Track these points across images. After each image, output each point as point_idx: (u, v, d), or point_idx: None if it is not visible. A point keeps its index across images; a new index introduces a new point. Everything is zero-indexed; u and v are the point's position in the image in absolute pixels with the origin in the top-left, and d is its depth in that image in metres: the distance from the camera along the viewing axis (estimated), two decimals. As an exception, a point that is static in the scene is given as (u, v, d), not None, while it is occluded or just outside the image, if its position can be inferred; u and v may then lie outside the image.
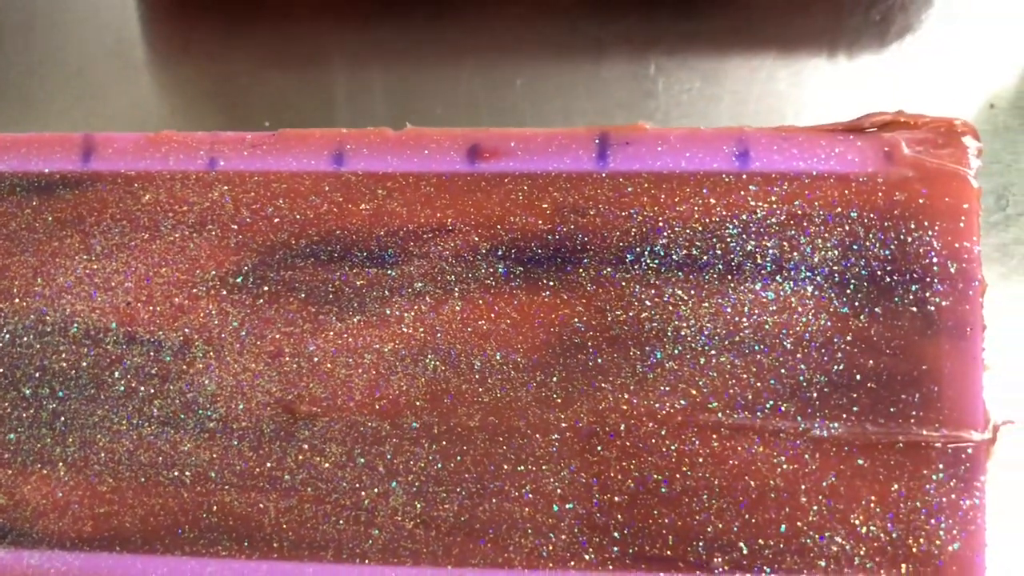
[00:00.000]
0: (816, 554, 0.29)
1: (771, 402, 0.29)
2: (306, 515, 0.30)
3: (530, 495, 0.30)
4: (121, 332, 0.32)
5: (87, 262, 0.32)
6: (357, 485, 0.30)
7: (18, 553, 0.31)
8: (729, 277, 0.30)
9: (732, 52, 0.46)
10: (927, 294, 0.29)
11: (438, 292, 0.31)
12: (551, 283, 0.31)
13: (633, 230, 0.31)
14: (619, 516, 0.29)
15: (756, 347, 0.30)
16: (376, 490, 0.30)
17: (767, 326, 0.30)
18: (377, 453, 0.30)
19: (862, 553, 0.29)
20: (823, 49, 0.46)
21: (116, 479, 0.31)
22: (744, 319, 0.30)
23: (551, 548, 0.29)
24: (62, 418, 0.31)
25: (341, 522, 0.30)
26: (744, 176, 0.30)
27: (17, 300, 0.32)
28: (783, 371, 0.30)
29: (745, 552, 0.29)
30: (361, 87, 0.47)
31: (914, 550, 0.28)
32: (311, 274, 0.31)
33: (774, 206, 0.30)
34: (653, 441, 0.30)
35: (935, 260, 0.30)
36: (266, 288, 0.31)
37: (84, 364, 0.32)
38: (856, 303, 0.30)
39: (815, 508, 0.29)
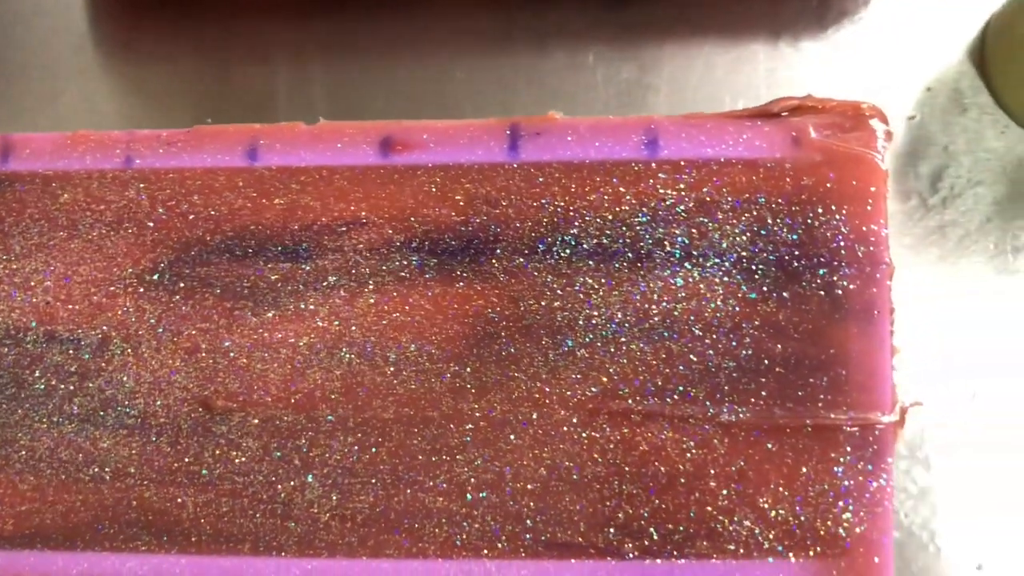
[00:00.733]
0: (726, 538, 0.29)
1: (680, 388, 0.30)
2: (223, 509, 0.30)
3: (444, 485, 0.30)
4: (41, 331, 0.32)
5: (6, 262, 0.32)
6: (273, 479, 0.30)
7: (-59, 552, 0.31)
8: (639, 265, 0.30)
9: (671, 41, 0.46)
10: (835, 278, 0.30)
11: (352, 285, 0.31)
12: (465, 274, 0.31)
13: (544, 220, 0.31)
14: (531, 504, 0.30)
15: (666, 334, 0.30)
16: (292, 483, 0.30)
17: (676, 313, 0.30)
18: (293, 447, 0.31)
19: (771, 537, 0.29)
20: (762, 35, 0.46)
21: (37, 477, 0.31)
22: (654, 306, 0.30)
23: (465, 537, 0.30)
24: (-17, 418, 0.32)
25: (258, 515, 0.30)
26: (653, 164, 0.31)
27: (-62, 301, 0.32)
28: (692, 357, 0.30)
29: (655, 537, 0.29)
30: (302, 83, 0.47)
31: (822, 533, 0.29)
32: (226, 270, 0.32)
33: (683, 193, 0.30)
34: (565, 429, 0.30)
35: (843, 244, 0.30)
36: (182, 285, 0.32)
37: (4, 363, 0.32)
38: (764, 288, 0.30)
39: (724, 493, 0.29)
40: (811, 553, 0.29)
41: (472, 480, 0.30)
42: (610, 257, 0.30)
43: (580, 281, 0.30)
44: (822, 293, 0.30)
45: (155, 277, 0.32)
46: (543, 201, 0.31)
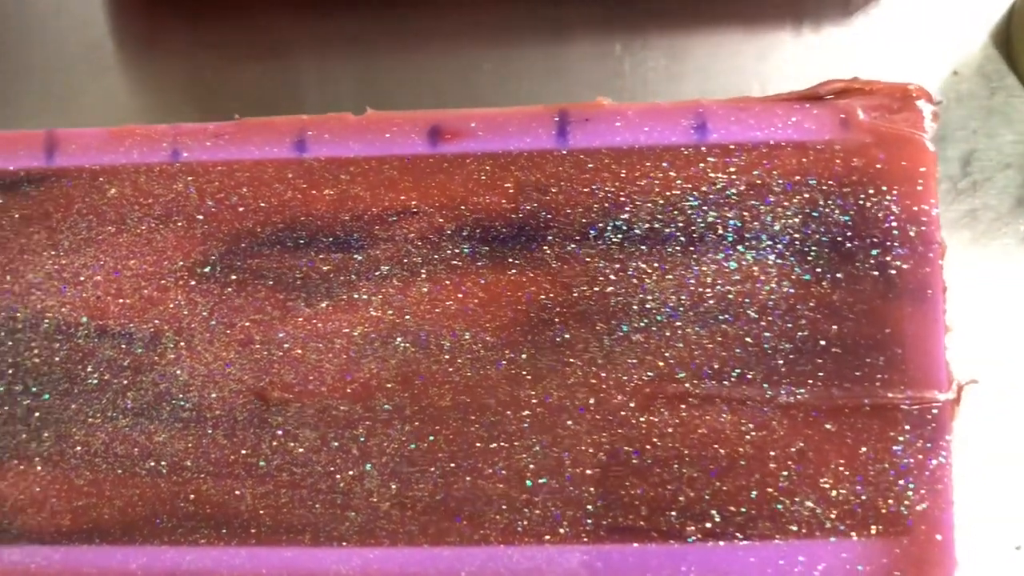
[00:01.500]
0: (787, 519, 0.29)
1: (737, 371, 0.30)
2: (282, 500, 0.30)
3: (503, 472, 0.30)
4: (92, 326, 0.32)
5: (55, 257, 0.32)
6: (332, 468, 0.30)
7: (-3, 549, 0.31)
8: (692, 249, 0.30)
9: (696, 29, 0.47)
10: (887, 258, 0.30)
11: (405, 274, 0.31)
12: (516, 261, 0.31)
13: (595, 206, 0.31)
14: (591, 489, 0.30)
15: (721, 317, 0.30)
16: (351, 472, 0.30)
17: (731, 296, 0.30)
18: (350, 436, 0.31)
19: (833, 516, 0.29)
20: (787, 22, 0.47)
21: (93, 472, 0.31)
22: (708, 290, 0.30)
23: (526, 523, 0.30)
24: (36, 413, 0.32)
25: (317, 506, 0.30)
26: (703, 148, 0.31)
27: (-13, 298, 0.32)
28: (748, 339, 0.30)
29: (717, 520, 0.29)
30: (328, 76, 0.47)
31: (883, 511, 0.29)
32: (278, 261, 0.32)
33: (733, 177, 0.31)
34: (622, 413, 0.30)
35: (894, 224, 0.30)
36: (234, 277, 0.32)
37: (56, 359, 0.32)
38: (818, 269, 0.30)
39: (784, 474, 0.29)
40: (873, 532, 0.29)
41: (531, 466, 0.30)
42: (662, 241, 0.30)
43: (633, 266, 0.30)
44: (876, 273, 0.30)
45: (206, 270, 0.32)
46: (593, 187, 0.31)
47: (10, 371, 0.32)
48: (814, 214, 0.30)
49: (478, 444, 0.30)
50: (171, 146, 0.32)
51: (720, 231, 0.30)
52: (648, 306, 0.30)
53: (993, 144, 0.44)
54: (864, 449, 0.29)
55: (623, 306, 0.30)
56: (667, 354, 0.30)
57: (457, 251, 0.31)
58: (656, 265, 0.30)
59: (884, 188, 0.30)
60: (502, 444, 0.30)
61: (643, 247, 0.30)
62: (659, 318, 0.30)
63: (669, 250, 0.30)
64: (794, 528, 0.29)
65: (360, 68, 0.47)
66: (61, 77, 0.48)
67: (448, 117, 0.32)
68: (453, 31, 0.47)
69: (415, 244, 0.31)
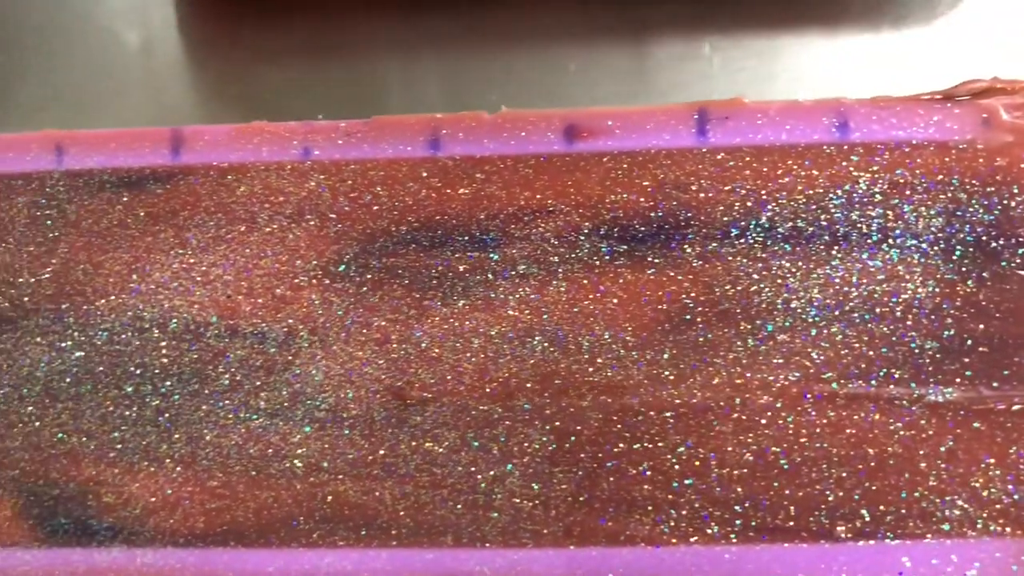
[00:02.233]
0: (939, 518, 0.29)
1: (884, 370, 0.30)
2: (423, 501, 0.30)
3: (648, 472, 0.30)
4: (223, 325, 0.31)
5: (183, 256, 0.32)
6: (472, 469, 0.30)
7: (130, 552, 0.30)
8: (835, 248, 0.30)
9: (783, 29, 0.46)
10: (1033, 257, 0.30)
11: (542, 274, 0.31)
12: (656, 260, 0.31)
13: (737, 204, 0.31)
14: (739, 489, 0.29)
15: (866, 316, 0.30)
16: (492, 473, 0.30)
17: (876, 295, 0.30)
18: (490, 436, 0.30)
19: (984, 515, 0.29)
20: (868, 23, 0.47)
21: (226, 473, 0.31)
22: (853, 289, 0.30)
23: (672, 524, 0.29)
24: (166, 414, 0.31)
25: (459, 506, 0.30)
26: (845, 147, 0.31)
27: (113, 298, 0.32)
28: (894, 339, 0.30)
29: (867, 519, 0.29)
30: (413, 76, 0.47)
31: (1035, 510, 0.29)
32: (413, 260, 0.31)
33: (876, 176, 0.30)
34: (769, 414, 0.30)
35: (1039, 223, 0.30)
36: (369, 276, 0.31)
37: (186, 359, 0.31)
38: (963, 269, 0.30)
39: (934, 473, 0.29)
40: (1026, 531, 0.29)
41: (676, 467, 0.30)
42: (806, 240, 0.30)
43: (776, 265, 0.30)
44: (1022, 272, 0.30)
45: (341, 269, 0.31)
46: (735, 185, 0.31)
47: (138, 372, 0.31)
48: (958, 213, 0.30)
49: (621, 444, 0.30)
50: (302, 144, 0.32)
51: (864, 230, 0.30)
52: (793, 305, 0.30)
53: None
54: (1015, 448, 0.29)
55: (767, 305, 0.30)
56: (813, 354, 0.30)
57: (595, 250, 0.31)
58: (800, 264, 0.30)
59: (1028, 187, 0.30)
60: (646, 445, 0.30)
61: (787, 246, 0.30)
62: (804, 318, 0.30)
63: (813, 249, 0.30)
64: (946, 527, 0.29)
65: (443, 68, 0.47)
66: (131, 77, 0.48)
67: (584, 115, 0.32)
68: (537, 31, 0.47)
69: (552, 243, 0.31)
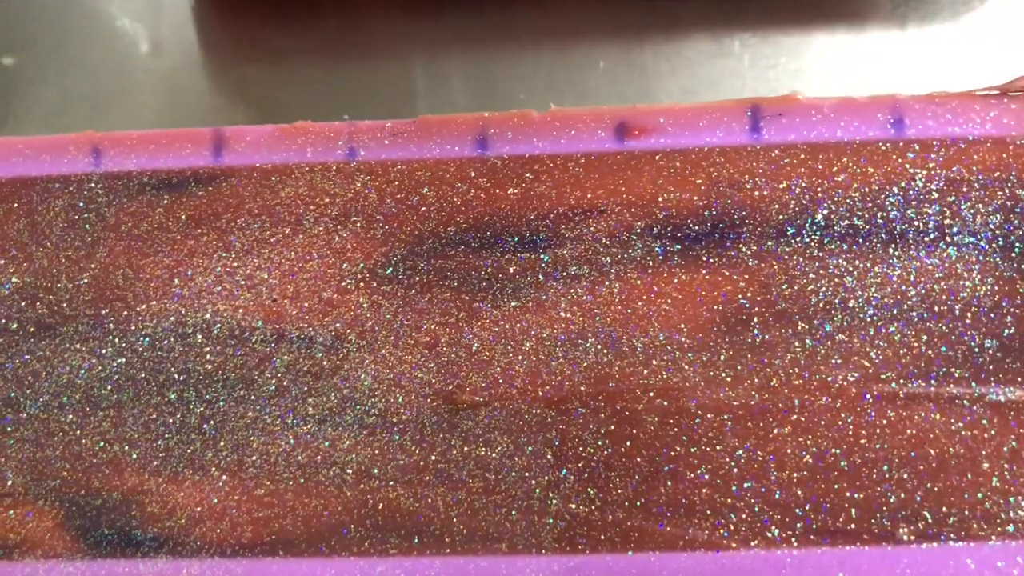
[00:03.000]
0: (1003, 519, 0.28)
1: (944, 369, 0.29)
2: (476, 507, 0.30)
3: (706, 476, 0.29)
4: (268, 330, 0.31)
5: (226, 260, 0.31)
6: (527, 474, 0.30)
7: (176, 563, 0.30)
8: (892, 246, 0.30)
9: (813, 26, 0.46)
10: (1093, 254, 0.29)
11: (594, 274, 0.30)
12: (711, 260, 0.30)
13: (792, 202, 0.30)
14: (799, 492, 0.29)
15: (925, 315, 0.29)
16: (547, 478, 0.30)
17: (934, 293, 0.30)
18: (544, 441, 0.30)
19: (1049, 516, 0.28)
20: (899, 20, 0.46)
21: (274, 481, 0.30)
22: (911, 287, 0.30)
23: (732, 528, 0.29)
24: (211, 421, 0.30)
25: (513, 512, 0.29)
26: (901, 144, 0.30)
27: (154, 303, 0.31)
28: (954, 338, 0.29)
29: (930, 521, 0.29)
30: (438, 75, 0.46)
31: (1099, 510, 0.28)
32: (462, 262, 0.31)
33: (932, 172, 0.30)
34: (828, 415, 0.29)
35: (1099, 219, 0.29)
36: (417, 278, 0.31)
37: (231, 365, 0.31)
38: (1022, 266, 0.29)
39: (998, 473, 0.29)
40: (1092, 531, 0.28)
41: (735, 470, 0.29)
42: (863, 238, 0.30)
43: (833, 264, 0.30)
44: (1082, 269, 0.29)
45: (388, 271, 0.31)
46: (789, 183, 0.30)
47: (181, 378, 0.31)
48: (1017, 210, 0.30)
49: (678, 448, 0.29)
50: (347, 144, 0.31)
51: (921, 228, 0.30)
52: (850, 305, 0.30)
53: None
54: (1079, 448, 0.29)
55: (824, 305, 0.30)
56: (872, 353, 0.29)
57: (648, 250, 0.30)
58: (857, 262, 0.30)
59: (1086, 183, 0.30)
60: (704, 448, 0.29)
61: (843, 244, 0.30)
62: (862, 317, 0.30)
63: (870, 247, 0.30)
64: (1011, 528, 0.28)
65: (469, 67, 0.47)
66: (148, 79, 0.47)
67: (635, 112, 0.31)
68: (565, 28, 0.47)
69: (604, 243, 0.30)
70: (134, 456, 0.30)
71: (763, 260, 0.30)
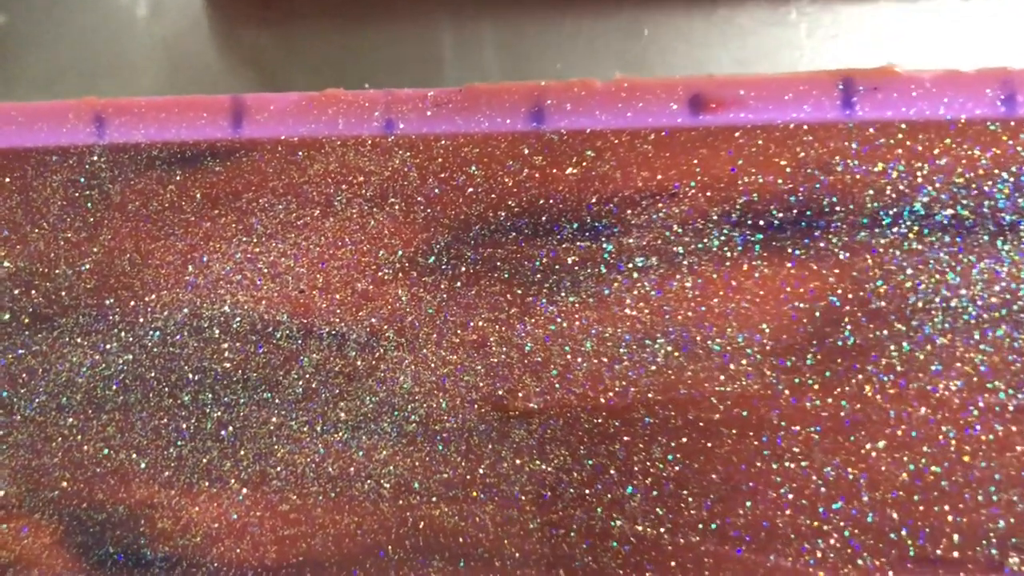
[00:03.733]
0: None
1: (1060, 379, 0.26)
2: (530, 528, 0.26)
3: (790, 495, 0.26)
4: (295, 325, 0.27)
5: (247, 245, 0.28)
6: (587, 491, 0.26)
7: (191, 586, 0.26)
8: (1001, 239, 0.26)
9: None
10: None
11: (664, 266, 0.27)
12: (797, 252, 0.27)
13: (888, 187, 0.27)
14: (894, 515, 0.26)
15: (1038, 317, 0.26)
16: (609, 496, 0.26)
17: (1049, 293, 0.26)
18: (607, 454, 0.26)
19: None
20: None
21: (301, 495, 0.27)
22: (1021, 285, 0.26)
23: (819, 554, 0.26)
24: (230, 427, 0.27)
25: (572, 534, 0.26)
26: (1012, 123, 0.27)
27: (165, 292, 0.28)
28: (1070, 343, 0.26)
29: (1043, 550, 0.25)
30: (470, 42, 0.43)
31: None
32: (514, 251, 0.27)
33: (1048, 156, 0.27)
34: (928, 428, 0.26)
35: None
36: (463, 269, 0.27)
37: (252, 364, 0.27)
38: None
39: (1120, 497, 0.25)
40: None
41: (822, 489, 0.26)
42: (968, 230, 0.26)
43: (935, 259, 0.26)
44: None
45: (431, 260, 0.27)
46: (886, 166, 0.27)
47: (196, 378, 0.27)
48: None
49: (758, 463, 0.26)
50: (384, 115, 0.28)
51: (1035, 218, 0.26)
52: (953, 304, 0.26)
53: None
54: None
55: (924, 304, 0.26)
56: (978, 360, 0.26)
57: (725, 239, 0.27)
58: (961, 257, 0.26)
59: None
60: (787, 464, 0.26)
61: (946, 237, 0.26)
62: (966, 318, 0.26)
63: (975, 240, 0.26)
64: None
65: (502, 33, 0.43)
66: (148, 44, 0.44)
67: (712, 83, 0.27)
68: (607, -8, 0.43)
69: (675, 231, 0.27)
70: (142, 465, 0.27)
71: (855, 253, 0.27)
